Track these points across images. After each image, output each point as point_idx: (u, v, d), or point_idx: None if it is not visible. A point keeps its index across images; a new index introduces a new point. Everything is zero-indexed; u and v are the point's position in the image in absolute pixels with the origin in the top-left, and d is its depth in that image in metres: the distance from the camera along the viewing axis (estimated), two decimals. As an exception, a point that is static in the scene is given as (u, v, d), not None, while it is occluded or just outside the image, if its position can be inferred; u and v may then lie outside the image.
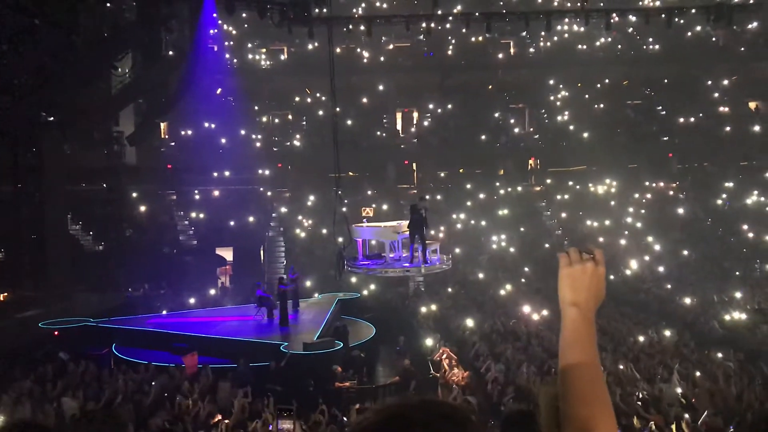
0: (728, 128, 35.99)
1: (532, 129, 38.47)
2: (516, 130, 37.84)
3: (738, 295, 23.56)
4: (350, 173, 36.93)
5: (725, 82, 37.93)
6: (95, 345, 18.73)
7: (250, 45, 38.00)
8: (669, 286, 25.62)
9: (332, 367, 16.00)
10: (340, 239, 21.34)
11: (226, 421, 10.77)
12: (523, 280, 27.77)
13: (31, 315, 21.24)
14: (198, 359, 16.31)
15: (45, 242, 24.02)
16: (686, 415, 11.42)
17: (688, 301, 22.79)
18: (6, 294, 22.80)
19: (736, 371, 15.09)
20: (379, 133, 37.36)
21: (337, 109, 23.00)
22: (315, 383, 14.80)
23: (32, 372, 14.81)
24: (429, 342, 18.67)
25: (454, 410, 1.03)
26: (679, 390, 13.72)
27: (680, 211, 33.25)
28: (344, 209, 20.74)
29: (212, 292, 27.14)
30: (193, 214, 32.66)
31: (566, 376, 1.44)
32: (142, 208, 32.07)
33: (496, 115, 37.81)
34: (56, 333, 19.27)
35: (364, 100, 37.80)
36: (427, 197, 22.06)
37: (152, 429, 9.86)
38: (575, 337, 1.49)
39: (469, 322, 20.36)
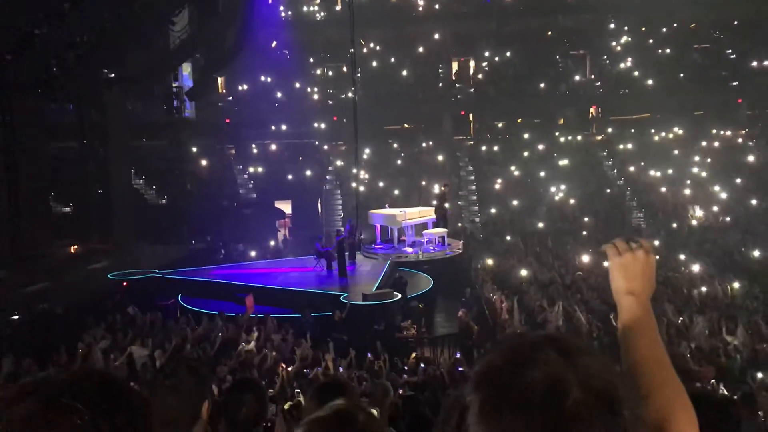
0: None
1: (593, 76, 37.32)
2: (576, 77, 36.79)
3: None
4: (405, 125, 36.76)
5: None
6: (162, 296, 19.39)
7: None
8: (736, 237, 24.89)
9: (398, 319, 16.28)
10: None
11: (289, 368, 11.10)
12: (584, 232, 27.36)
13: (99, 267, 22.09)
14: (255, 306, 16.92)
15: (111, 196, 24.79)
16: (758, 374, 11.20)
17: (756, 252, 22.10)
18: (75, 246, 23.71)
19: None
20: (434, 83, 36.90)
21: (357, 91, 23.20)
22: (379, 331, 15.09)
23: (103, 321, 15.48)
24: (488, 293, 18.73)
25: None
26: (737, 342, 13.49)
27: (750, 158, 31.98)
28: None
29: (272, 244, 27.70)
30: (252, 168, 33.18)
31: (633, 367, 1.42)
32: (203, 162, 32.72)
33: (556, 60, 36.82)
34: (125, 284, 20.03)
35: (420, 49, 37.26)
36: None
37: (219, 377, 10.24)
38: (636, 326, 1.46)
39: (526, 273, 20.34)
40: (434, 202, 22.55)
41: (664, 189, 30.59)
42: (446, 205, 22.64)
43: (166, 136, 28.50)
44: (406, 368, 12.38)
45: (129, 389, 1.09)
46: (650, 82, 34.70)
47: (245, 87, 35.81)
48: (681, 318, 15.49)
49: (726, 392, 9.03)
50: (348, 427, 1.70)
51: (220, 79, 35.57)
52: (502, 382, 0.91)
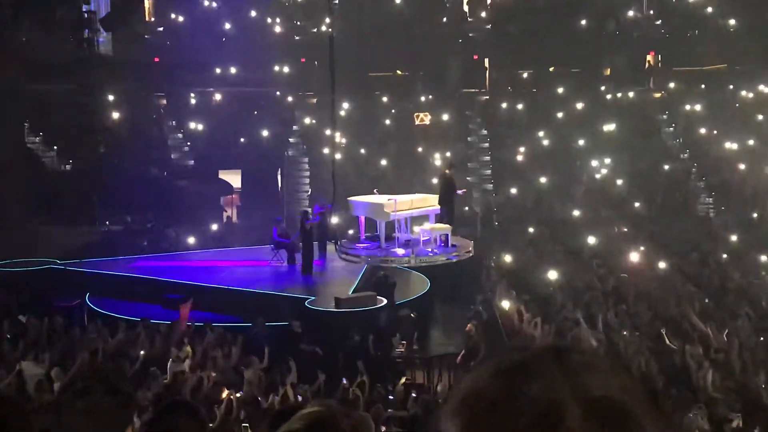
0: None
1: (652, 12, 37.39)
2: (630, 12, 36.84)
3: None
4: (398, 72, 36.72)
5: None
6: (63, 294, 19.36)
7: None
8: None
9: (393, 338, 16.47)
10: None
11: (238, 395, 11.19)
12: (632, 221, 27.59)
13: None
14: (190, 312, 16.96)
15: (-5, 158, 24.67)
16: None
17: None
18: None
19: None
20: (438, 16, 36.78)
21: None
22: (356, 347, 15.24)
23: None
24: (505, 303, 18.82)
25: None
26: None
27: None
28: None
29: (215, 228, 27.69)
30: (190, 125, 33.00)
31: None
32: (122, 116, 32.47)
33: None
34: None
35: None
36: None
37: (142, 404, 10.29)
38: None
39: (555, 275, 20.45)
40: (435, 180, 22.32)
41: (742, 166, 30.80)
42: (458, 192, 21.78)
43: (73, 79, 28.29)
44: (391, 397, 12.52)
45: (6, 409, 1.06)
46: (731, 21, 34.79)
47: (181, 15, 35.54)
48: (761, 338, 15.73)
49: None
50: None
51: (147, 3, 35.30)
52: (487, 404, 0.95)
